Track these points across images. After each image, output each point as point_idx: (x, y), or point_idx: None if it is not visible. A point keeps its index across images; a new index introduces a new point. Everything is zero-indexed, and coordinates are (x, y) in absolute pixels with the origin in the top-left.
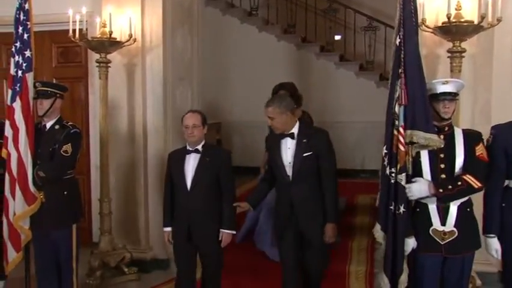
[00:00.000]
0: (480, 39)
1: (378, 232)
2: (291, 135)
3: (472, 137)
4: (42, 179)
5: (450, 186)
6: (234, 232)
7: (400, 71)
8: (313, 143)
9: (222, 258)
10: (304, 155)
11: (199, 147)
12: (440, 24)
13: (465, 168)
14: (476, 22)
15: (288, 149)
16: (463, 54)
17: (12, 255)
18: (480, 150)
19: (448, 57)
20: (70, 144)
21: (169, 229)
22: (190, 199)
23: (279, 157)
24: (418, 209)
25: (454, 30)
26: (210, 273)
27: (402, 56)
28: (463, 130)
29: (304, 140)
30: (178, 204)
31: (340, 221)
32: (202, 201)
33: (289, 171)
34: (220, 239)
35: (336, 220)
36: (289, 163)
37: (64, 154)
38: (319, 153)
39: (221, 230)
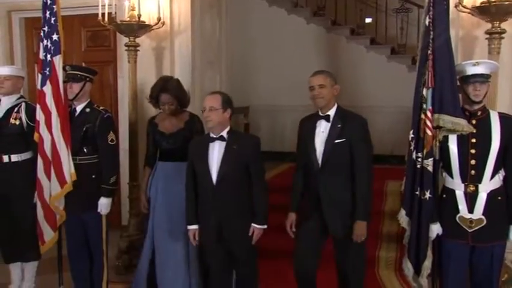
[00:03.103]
0: None
1: (402, 217)
2: (327, 118)
3: (510, 122)
4: (115, 183)
5: None
6: (265, 227)
7: (428, 52)
8: (349, 129)
9: (256, 263)
10: (336, 141)
11: (224, 133)
12: (478, 4)
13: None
14: None
15: (321, 132)
16: (503, 35)
17: (50, 234)
18: None
19: (486, 38)
20: (111, 131)
21: (194, 227)
22: (217, 193)
23: (310, 141)
24: (445, 195)
25: (493, 10)
26: (246, 285)
27: (431, 37)
28: (500, 114)
29: (339, 125)
30: (203, 198)
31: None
32: (231, 195)
33: (319, 158)
34: (250, 234)
35: (367, 219)
36: (321, 149)
37: (111, 144)
38: (353, 142)
39: (252, 224)
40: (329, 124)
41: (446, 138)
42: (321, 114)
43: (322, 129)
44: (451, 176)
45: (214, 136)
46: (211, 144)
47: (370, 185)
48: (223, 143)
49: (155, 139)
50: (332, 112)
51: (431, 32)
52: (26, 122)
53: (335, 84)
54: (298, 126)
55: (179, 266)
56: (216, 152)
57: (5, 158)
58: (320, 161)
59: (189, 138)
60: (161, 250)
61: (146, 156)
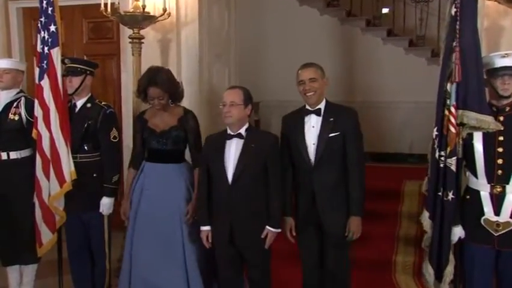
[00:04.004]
0: None
1: (426, 220)
2: (317, 112)
3: None
4: (118, 182)
5: None
6: (280, 230)
7: (455, 44)
8: (341, 122)
9: (269, 267)
10: (331, 135)
11: (242, 131)
12: None
13: None
14: None
15: (311, 127)
16: None
17: (48, 236)
18: None
19: None
20: (114, 128)
21: (207, 228)
22: (232, 193)
23: (300, 138)
24: (468, 196)
25: None
26: None
27: (457, 27)
28: None
29: (332, 119)
30: (217, 198)
31: (383, 209)
32: (247, 195)
33: (311, 154)
34: (263, 236)
35: (362, 214)
36: (313, 144)
37: (113, 141)
38: (347, 135)
39: (266, 227)
40: (320, 118)
41: (470, 136)
42: (310, 109)
43: (313, 124)
44: (475, 176)
45: (232, 133)
46: (228, 142)
47: (363, 178)
48: (241, 141)
49: (143, 137)
50: (322, 106)
51: (457, 22)
52: (26, 117)
53: (324, 77)
54: (282, 124)
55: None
56: (232, 150)
57: (4, 155)
58: (313, 158)
59: (182, 137)
60: (144, 275)
61: (131, 157)
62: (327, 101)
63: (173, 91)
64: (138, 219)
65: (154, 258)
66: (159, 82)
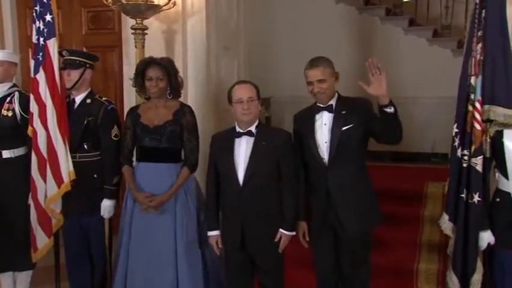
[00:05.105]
0: None
1: (445, 223)
2: (329, 108)
3: None
4: (119, 183)
5: None
6: (294, 233)
7: (479, 34)
8: (354, 113)
9: (283, 278)
10: (343, 129)
11: (253, 128)
12: None
13: None
14: None
15: (323, 125)
16: None
17: (43, 241)
18: None
19: None
20: (115, 126)
21: (216, 233)
22: (244, 195)
23: (312, 136)
24: (498, 199)
25: None
26: None
27: (483, 15)
28: None
29: (344, 112)
30: (227, 201)
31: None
32: (259, 196)
33: (324, 153)
34: (276, 240)
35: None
36: (325, 142)
37: (115, 139)
38: (361, 124)
39: (280, 230)
40: (332, 114)
41: (500, 134)
42: (322, 106)
43: (324, 121)
44: (506, 176)
45: (241, 131)
46: (237, 140)
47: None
48: (251, 139)
49: (135, 133)
50: (334, 101)
51: (483, 10)
52: (20, 113)
53: (334, 72)
54: (293, 122)
55: None
56: (242, 149)
57: None
58: (326, 157)
59: (178, 133)
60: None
61: (122, 157)
62: (339, 96)
63: (174, 77)
64: (134, 229)
65: (146, 279)
66: (160, 62)
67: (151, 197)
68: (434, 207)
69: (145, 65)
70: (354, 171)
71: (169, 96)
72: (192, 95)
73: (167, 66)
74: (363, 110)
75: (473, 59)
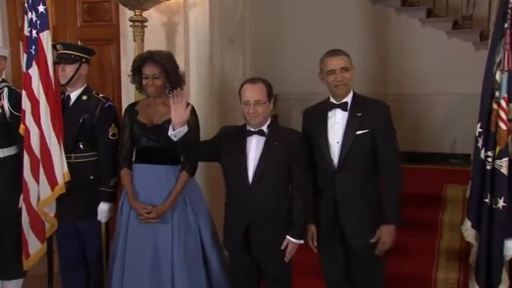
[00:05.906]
0: None
1: (468, 230)
2: (343, 106)
3: None
4: (117, 185)
5: None
6: (302, 242)
7: (506, 26)
8: (371, 117)
9: (291, 282)
10: (358, 133)
11: (264, 127)
12: None
13: None
14: None
15: (336, 124)
16: None
17: (35, 246)
18: None
19: None
20: (113, 124)
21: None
22: (252, 196)
23: (323, 135)
24: None
25: None
26: None
27: (509, 6)
28: None
29: (359, 114)
30: (234, 202)
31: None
32: (268, 198)
33: (334, 154)
34: (282, 247)
35: (398, 222)
36: (337, 143)
37: (112, 138)
38: (378, 133)
39: (287, 236)
40: (347, 113)
41: None
42: (336, 102)
43: (337, 120)
44: None
45: (252, 130)
46: (248, 139)
47: (401, 180)
48: (262, 138)
49: (133, 132)
50: (349, 99)
51: (510, 0)
52: (10, 110)
53: (353, 66)
54: (302, 118)
55: None
56: (253, 148)
57: None
58: (336, 159)
59: None
60: None
61: (121, 157)
62: (354, 94)
63: (173, 74)
64: (130, 237)
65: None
66: (157, 58)
67: (149, 209)
68: (453, 211)
69: (141, 61)
70: (363, 178)
71: (169, 93)
72: (193, 92)
73: (164, 63)
74: (381, 120)
75: (507, 53)
